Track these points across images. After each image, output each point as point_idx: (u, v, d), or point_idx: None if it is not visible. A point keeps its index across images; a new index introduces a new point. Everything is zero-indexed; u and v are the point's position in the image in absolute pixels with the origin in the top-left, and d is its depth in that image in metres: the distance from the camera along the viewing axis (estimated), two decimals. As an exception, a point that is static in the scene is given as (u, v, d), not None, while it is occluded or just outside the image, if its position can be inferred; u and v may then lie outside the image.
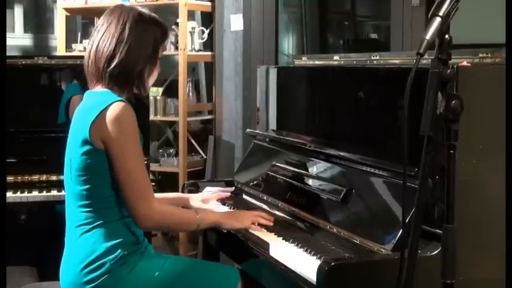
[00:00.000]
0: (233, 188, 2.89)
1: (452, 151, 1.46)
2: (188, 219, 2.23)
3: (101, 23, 2.16)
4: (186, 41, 4.09)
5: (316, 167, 2.45)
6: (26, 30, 6.97)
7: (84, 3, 4.44)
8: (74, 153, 2.09)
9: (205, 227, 2.28)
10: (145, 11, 2.18)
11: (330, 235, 2.16)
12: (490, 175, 1.93)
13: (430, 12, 1.43)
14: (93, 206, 2.09)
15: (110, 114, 2.03)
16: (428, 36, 1.40)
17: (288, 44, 4.93)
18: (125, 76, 2.11)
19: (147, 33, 2.14)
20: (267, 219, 2.34)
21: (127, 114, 2.05)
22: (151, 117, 4.07)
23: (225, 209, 2.62)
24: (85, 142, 2.05)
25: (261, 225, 2.31)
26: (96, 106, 2.06)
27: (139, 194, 2.06)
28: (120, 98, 2.08)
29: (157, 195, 2.50)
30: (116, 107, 2.04)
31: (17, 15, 6.92)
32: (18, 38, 6.84)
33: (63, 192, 2.21)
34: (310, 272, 1.85)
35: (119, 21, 2.13)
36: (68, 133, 2.16)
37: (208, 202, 2.63)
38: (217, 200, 2.69)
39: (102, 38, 2.13)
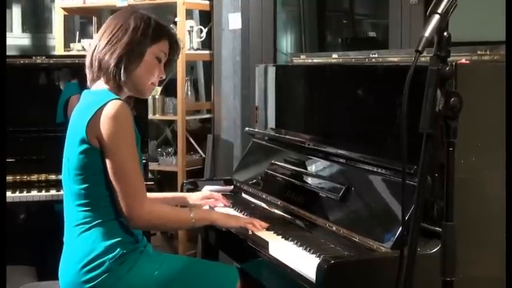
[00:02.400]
0: (232, 186, 2.89)
1: (451, 148, 1.46)
2: (183, 219, 2.22)
3: None
4: (184, 40, 4.09)
5: (315, 165, 2.45)
6: (24, 30, 6.98)
7: (82, 3, 4.44)
8: (71, 153, 2.09)
9: (200, 226, 2.28)
10: (128, 6, 2.21)
11: (329, 233, 2.16)
12: (489, 172, 1.93)
13: (429, 10, 1.43)
14: (91, 205, 2.08)
15: (106, 112, 2.02)
16: (427, 33, 1.40)
17: (286, 42, 4.93)
18: (105, 69, 2.10)
19: (126, 25, 2.12)
20: (261, 225, 2.31)
21: (123, 113, 2.04)
22: (150, 116, 4.07)
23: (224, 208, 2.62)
24: (82, 141, 2.04)
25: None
26: (92, 105, 2.05)
27: (130, 194, 2.04)
28: (116, 97, 2.07)
29: (155, 194, 2.50)
30: (112, 105, 2.03)
31: (15, 14, 6.92)
32: (16, 38, 6.84)
33: (61, 192, 2.20)
34: (309, 270, 1.85)
35: (105, 22, 2.19)
36: (66, 132, 2.16)
37: (210, 199, 2.63)
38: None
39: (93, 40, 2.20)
